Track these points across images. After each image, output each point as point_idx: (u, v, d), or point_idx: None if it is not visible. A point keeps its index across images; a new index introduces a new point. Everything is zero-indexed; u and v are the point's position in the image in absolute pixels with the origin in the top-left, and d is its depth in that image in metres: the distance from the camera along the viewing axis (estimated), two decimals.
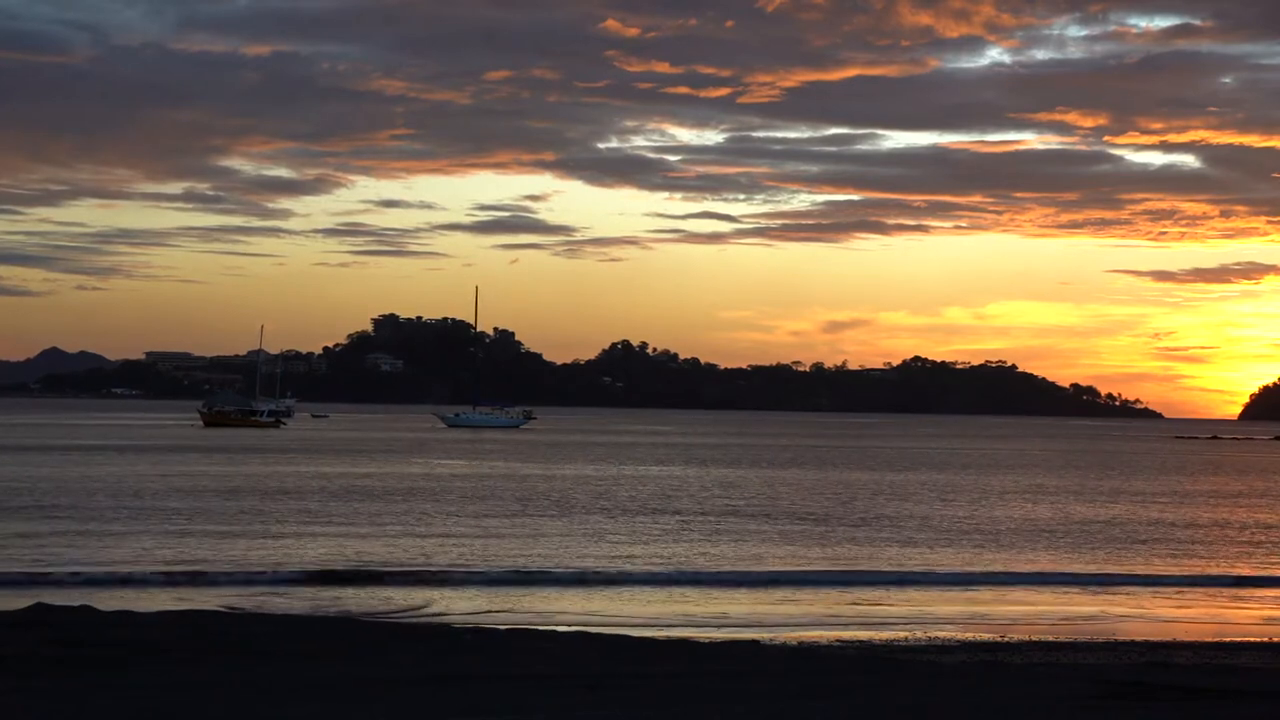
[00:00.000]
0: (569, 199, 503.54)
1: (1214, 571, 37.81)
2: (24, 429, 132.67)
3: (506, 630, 18.10)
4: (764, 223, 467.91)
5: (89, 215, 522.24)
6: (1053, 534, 47.70)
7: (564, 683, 11.80)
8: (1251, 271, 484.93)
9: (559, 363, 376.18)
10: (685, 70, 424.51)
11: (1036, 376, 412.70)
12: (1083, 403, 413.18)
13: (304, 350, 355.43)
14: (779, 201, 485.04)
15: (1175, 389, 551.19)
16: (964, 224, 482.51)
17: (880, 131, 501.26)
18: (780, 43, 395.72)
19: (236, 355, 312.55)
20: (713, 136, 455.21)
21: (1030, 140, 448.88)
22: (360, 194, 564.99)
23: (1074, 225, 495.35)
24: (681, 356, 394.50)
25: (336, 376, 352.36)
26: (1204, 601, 31.93)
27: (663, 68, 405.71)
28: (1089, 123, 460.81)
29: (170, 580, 31.18)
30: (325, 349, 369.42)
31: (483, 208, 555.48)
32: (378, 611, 24.80)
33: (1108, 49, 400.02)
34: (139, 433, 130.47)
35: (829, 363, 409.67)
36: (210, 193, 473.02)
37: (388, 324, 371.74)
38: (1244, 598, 32.96)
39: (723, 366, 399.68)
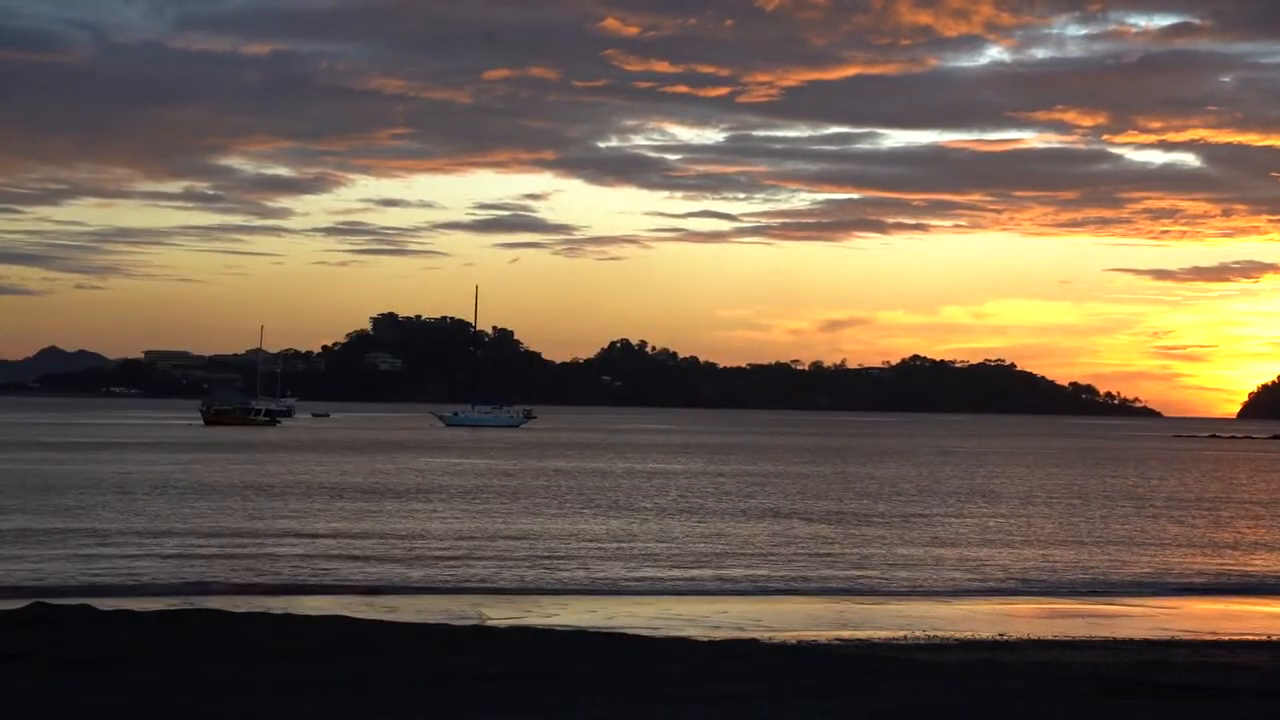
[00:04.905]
0: (568, 198, 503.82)
1: (1213, 569, 37.82)
2: (32, 428, 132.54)
3: (507, 630, 18.11)
4: (763, 221, 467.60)
5: (88, 214, 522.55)
6: (1053, 534, 47.74)
7: (564, 682, 11.81)
8: (1250, 270, 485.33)
9: (558, 361, 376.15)
10: (685, 69, 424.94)
11: (1035, 375, 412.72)
12: (1081, 401, 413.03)
13: (303, 349, 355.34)
14: (778, 200, 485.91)
15: (1174, 388, 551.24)
16: (963, 223, 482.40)
17: (879, 130, 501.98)
18: (779, 42, 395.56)
19: (235, 354, 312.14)
20: (712, 135, 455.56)
21: (1029, 139, 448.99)
22: (360, 193, 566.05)
23: (1073, 224, 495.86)
24: (680, 355, 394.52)
25: (335, 375, 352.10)
26: (1202, 600, 31.94)
27: (662, 67, 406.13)
28: (1088, 121, 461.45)
29: (178, 589, 31.17)
30: (324, 348, 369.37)
31: (482, 206, 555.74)
32: (379, 614, 24.81)
33: (1107, 48, 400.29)
34: (143, 432, 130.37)
35: (828, 361, 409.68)
36: (209, 192, 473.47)
37: (387, 323, 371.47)
38: (1243, 596, 32.97)
39: (721, 365, 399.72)
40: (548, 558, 36.86)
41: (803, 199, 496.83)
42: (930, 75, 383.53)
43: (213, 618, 16.41)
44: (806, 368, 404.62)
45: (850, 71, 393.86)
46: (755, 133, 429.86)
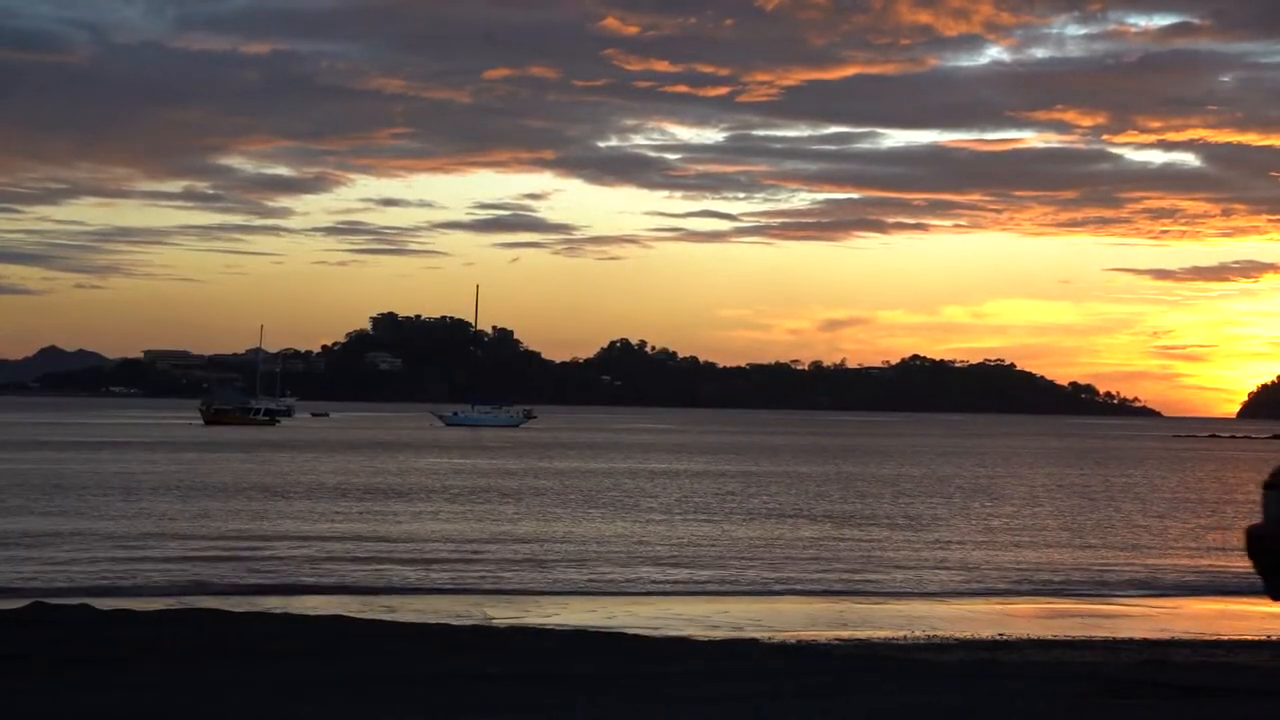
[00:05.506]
0: (568, 197, 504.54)
1: (1213, 569, 37.82)
2: (31, 428, 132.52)
3: (506, 629, 18.12)
4: (763, 221, 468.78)
5: (88, 214, 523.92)
6: (1054, 534, 47.76)
7: (564, 682, 11.81)
8: (1250, 270, 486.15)
9: (557, 361, 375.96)
10: (684, 69, 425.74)
11: (1035, 375, 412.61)
12: (1081, 401, 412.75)
13: (303, 349, 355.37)
14: (778, 200, 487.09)
15: (1173, 387, 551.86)
16: (963, 222, 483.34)
17: (879, 130, 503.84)
18: (779, 41, 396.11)
19: (235, 354, 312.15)
20: (712, 135, 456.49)
21: (1029, 139, 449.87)
22: (360, 192, 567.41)
23: (1073, 224, 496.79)
24: (680, 355, 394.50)
25: (335, 375, 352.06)
26: (1202, 600, 31.93)
27: (662, 66, 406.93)
28: (1088, 121, 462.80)
29: (182, 588, 31.17)
30: (324, 347, 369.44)
31: (482, 206, 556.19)
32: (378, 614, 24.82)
33: (1106, 47, 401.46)
34: (143, 431, 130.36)
35: (827, 361, 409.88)
36: (209, 191, 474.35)
37: (386, 322, 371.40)
38: (1243, 596, 32.97)
39: (721, 365, 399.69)
40: (548, 558, 36.85)
41: (803, 199, 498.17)
42: (930, 75, 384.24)
43: (212, 617, 16.41)
44: (806, 368, 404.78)
45: (850, 71, 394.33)
46: (755, 132, 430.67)
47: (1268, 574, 12.71)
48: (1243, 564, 14.09)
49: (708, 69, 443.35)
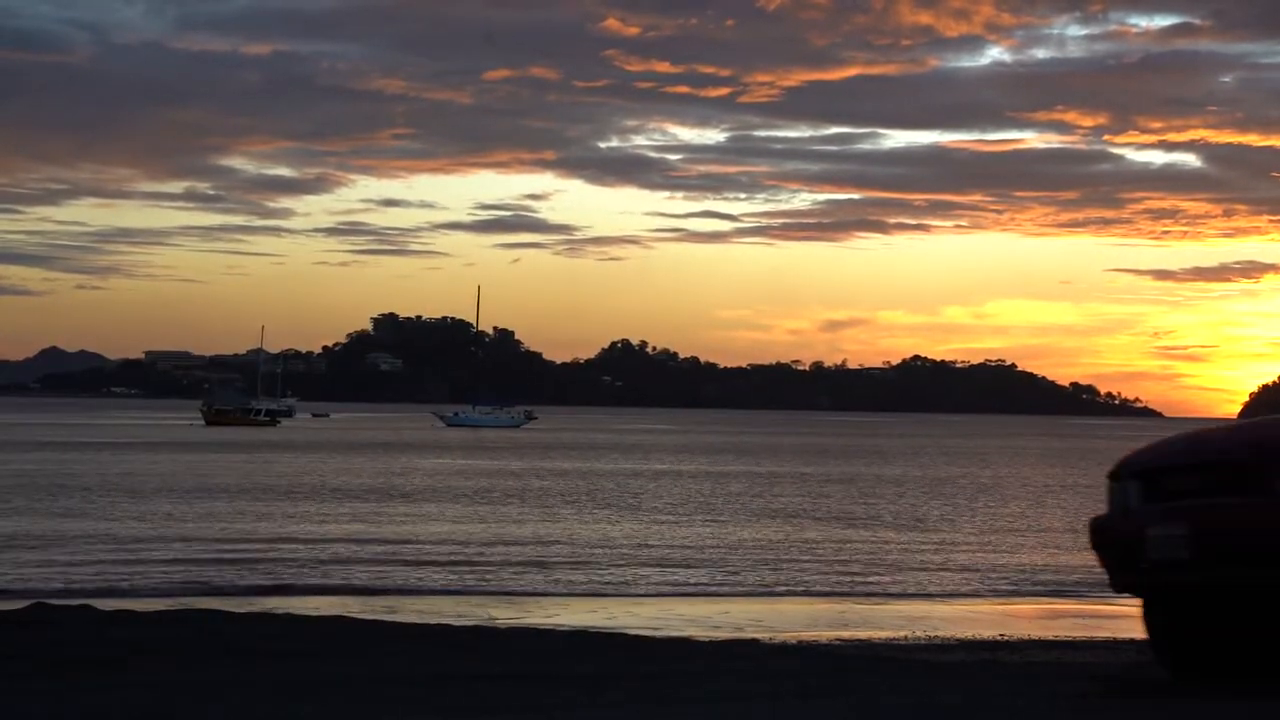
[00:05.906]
0: (569, 198, 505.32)
1: None
2: (33, 428, 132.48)
3: (507, 630, 18.11)
4: (764, 222, 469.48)
5: (89, 214, 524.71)
6: (1056, 534, 47.72)
7: (564, 683, 11.79)
8: (1251, 270, 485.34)
9: (558, 362, 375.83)
10: (685, 69, 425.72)
11: (1036, 375, 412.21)
12: (1082, 401, 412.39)
13: (303, 349, 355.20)
14: (780, 201, 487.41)
15: (1174, 388, 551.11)
16: (964, 223, 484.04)
17: (880, 131, 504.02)
18: (780, 42, 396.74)
19: (236, 354, 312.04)
20: (713, 136, 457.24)
21: (1030, 139, 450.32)
22: (361, 193, 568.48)
23: (1074, 224, 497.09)
24: (681, 355, 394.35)
25: (336, 376, 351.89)
26: None
27: (663, 67, 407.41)
28: (1089, 122, 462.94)
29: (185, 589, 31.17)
30: (324, 348, 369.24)
31: (483, 207, 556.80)
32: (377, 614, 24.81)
33: (1107, 48, 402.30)
34: (144, 432, 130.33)
35: (828, 361, 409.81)
36: (210, 192, 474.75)
37: (387, 323, 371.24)
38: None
39: (722, 365, 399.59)
40: (550, 558, 36.84)
41: (803, 199, 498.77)
42: (931, 75, 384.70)
43: (213, 617, 16.41)
44: (807, 368, 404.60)
45: (851, 72, 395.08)
46: (756, 133, 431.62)
47: (1110, 566, 12.73)
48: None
49: (709, 69, 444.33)
